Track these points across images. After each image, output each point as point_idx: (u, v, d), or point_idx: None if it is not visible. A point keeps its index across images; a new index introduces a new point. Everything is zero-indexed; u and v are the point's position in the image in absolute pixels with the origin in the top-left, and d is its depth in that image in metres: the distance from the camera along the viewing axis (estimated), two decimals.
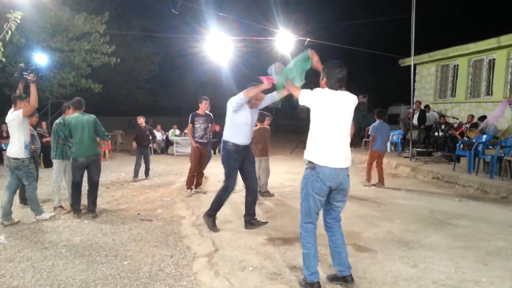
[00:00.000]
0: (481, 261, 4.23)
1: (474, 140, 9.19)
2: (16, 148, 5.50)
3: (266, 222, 5.45)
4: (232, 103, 5.15)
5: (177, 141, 16.00)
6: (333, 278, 3.68)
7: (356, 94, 3.70)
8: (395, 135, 14.22)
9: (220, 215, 5.98)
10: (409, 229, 5.38)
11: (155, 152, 15.56)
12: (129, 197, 7.43)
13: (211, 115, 7.89)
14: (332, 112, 3.45)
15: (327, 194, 3.46)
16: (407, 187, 8.48)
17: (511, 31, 10.80)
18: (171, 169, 11.33)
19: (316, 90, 3.58)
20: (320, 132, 3.47)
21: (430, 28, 12.39)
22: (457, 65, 13.31)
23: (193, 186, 7.73)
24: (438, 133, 11.70)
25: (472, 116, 11.25)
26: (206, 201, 7.00)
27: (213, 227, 5.24)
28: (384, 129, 8.56)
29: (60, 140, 6.26)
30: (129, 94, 30.83)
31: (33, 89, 5.44)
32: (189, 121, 7.79)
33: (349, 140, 3.57)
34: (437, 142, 11.96)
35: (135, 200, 7.23)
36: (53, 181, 6.34)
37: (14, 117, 5.51)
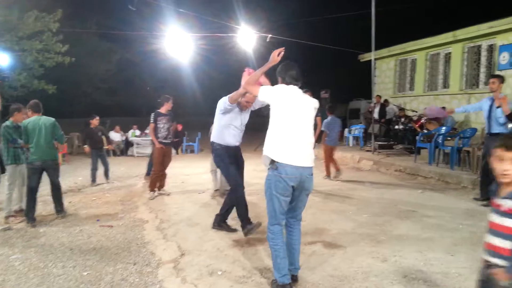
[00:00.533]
0: (448, 252, 4.26)
1: (434, 132, 9.42)
2: None
3: (235, 230, 5.08)
4: (220, 106, 4.92)
5: (137, 141, 15.52)
6: None
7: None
8: (357, 130, 14.45)
9: (185, 217, 5.80)
10: (376, 222, 5.38)
11: (114, 153, 15.04)
12: (87, 202, 7.06)
13: (172, 114, 7.65)
14: (294, 108, 3.37)
15: (291, 193, 3.36)
16: (371, 180, 8.56)
17: (466, 25, 11.14)
18: (131, 171, 10.93)
19: (278, 85, 3.50)
20: (281, 128, 3.35)
21: (389, 23, 12.62)
22: (415, 59, 13.63)
23: (156, 188, 7.45)
24: (398, 126, 11.94)
25: None
26: (170, 203, 6.79)
27: (228, 229, 5.09)
28: (336, 124, 8.59)
29: (9, 144, 5.86)
30: (86, 94, 29.78)
31: None
32: (152, 121, 7.52)
33: (312, 139, 3.48)
34: (397, 135, 12.22)
35: (94, 205, 6.87)
36: (5, 188, 5.92)
37: None
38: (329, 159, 8.68)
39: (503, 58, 10.24)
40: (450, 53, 12.17)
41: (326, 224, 5.34)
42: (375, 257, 4.12)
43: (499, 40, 10.40)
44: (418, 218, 5.62)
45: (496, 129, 6.22)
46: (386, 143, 11.69)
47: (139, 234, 5.15)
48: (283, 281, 3.32)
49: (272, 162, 3.29)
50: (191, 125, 16.75)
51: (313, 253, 4.28)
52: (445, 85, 12.47)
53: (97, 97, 30.62)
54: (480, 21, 10.69)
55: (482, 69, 11.19)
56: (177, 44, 11.84)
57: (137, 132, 16.56)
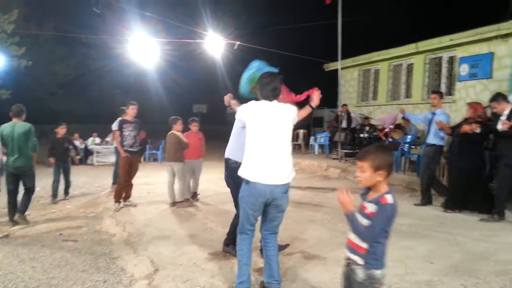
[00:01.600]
0: (427, 259, 4.27)
1: (399, 141, 9.60)
2: None
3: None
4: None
5: (97, 150, 14.91)
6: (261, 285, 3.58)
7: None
8: (322, 138, 14.55)
9: (155, 230, 5.53)
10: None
11: (73, 163, 14.35)
12: (47, 215, 6.61)
13: (139, 121, 7.37)
14: (265, 125, 3.32)
15: (261, 208, 3.36)
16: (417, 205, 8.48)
17: (427, 37, 11.50)
18: (92, 181, 10.42)
19: (250, 102, 3.47)
20: (253, 146, 3.33)
21: (353, 34, 12.83)
22: (379, 70, 13.93)
23: (121, 200, 7.10)
24: (363, 135, 12.11)
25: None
26: (137, 215, 6.47)
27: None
28: None
29: None
30: (41, 100, 28.40)
31: None
32: (116, 128, 7.21)
33: (288, 156, 3.38)
34: (362, 143, 12.40)
35: (54, 218, 6.44)
36: None
37: None
38: None
39: (463, 69, 10.62)
40: (412, 64, 12.52)
41: (303, 234, 5.25)
42: None
43: (459, 52, 10.78)
44: (393, 231, 5.62)
45: (432, 140, 6.71)
46: (352, 151, 11.82)
47: (107, 248, 4.84)
48: None
49: (244, 177, 3.33)
50: (155, 132, 16.31)
51: (293, 264, 4.17)
52: (408, 95, 12.80)
53: (52, 103, 29.27)
54: (442, 34, 11.06)
55: (443, 80, 11.57)
56: (141, 49, 11.50)
57: (97, 140, 15.90)
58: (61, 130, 8.24)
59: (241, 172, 3.35)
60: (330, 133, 14.25)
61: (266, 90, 3.40)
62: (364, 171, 2.33)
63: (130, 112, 7.19)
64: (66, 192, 8.15)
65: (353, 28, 11.12)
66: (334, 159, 11.95)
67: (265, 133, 3.31)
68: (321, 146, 14.38)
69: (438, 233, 5.29)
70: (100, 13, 10.55)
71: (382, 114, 13.25)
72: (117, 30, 11.65)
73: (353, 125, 13.50)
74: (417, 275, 3.87)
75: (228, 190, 7.93)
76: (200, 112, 29.93)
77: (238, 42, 11.25)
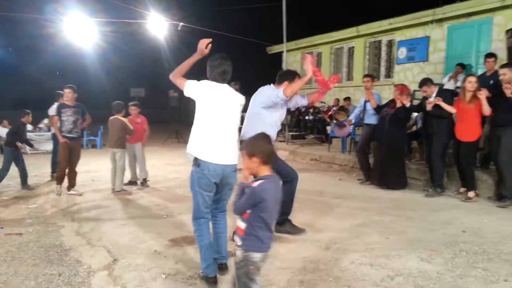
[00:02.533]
0: (384, 236, 4.45)
1: (344, 122, 9.88)
2: None
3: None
4: (267, 98, 4.18)
5: (30, 137, 13.89)
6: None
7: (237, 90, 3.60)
8: None
9: (107, 219, 5.27)
10: (309, 214, 5.43)
11: (1, 151, 13.29)
12: None
13: (83, 105, 6.96)
14: (218, 105, 3.34)
15: (214, 188, 3.37)
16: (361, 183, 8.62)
17: (368, 21, 11.86)
18: (28, 170, 9.71)
19: (203, 81, 3.39)
20: (205, 126, 3.32)
21: (295, 17, 12.91)
22: (321, 53, 14.20)
23: (62, 184, 6.78)
24: (308, 117, 12.35)
25: (338, 100, 12.12)
26: (85, 203, 6.13)
27: (297, 230, 4.51)
28: None
29: None
30: None
31: None
32: (55, 113, 6.77)
33: (236, 137, 3.46)
34: (307, 125, 12.66)
35: None
36: None
37: None
38: None
39: (401, 53, 11.13)
40: (353, 47, 12.90)
41: None
42: (317, 246, 4.13)
43: (398, 36, 11.27)
44: (345, 206, 5.81)
45: (367, 120, 7.39)
46: (298, 133, 12.03)
47: (57, 240, 4.53)
48: (207, 273, 3.34)
49: (195, 159, 3.27)
50: (93, 118, 15.49)
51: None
52: (349, 77, 13.21)
53: None
54: (382, 18, 11.46)
55: (383, 63, 12.06)
56: (77, 29, 10.78)
57: (29, 127, 14.82)
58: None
59: (193, 152, 3.29)
60: None
61: (215, 72, 3.39)
62: (243, 159, 2.44)
63: (66, 96, 6.79)
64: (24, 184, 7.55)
65: (295, 11, 11.13)
66: (280, 141, 12.08)
67: (218, 114, 3.31)
68: None
69: (390, 210, 5.54)
70: None
71: (326, 96, 13.54)
72: (50, 8, 10.73)
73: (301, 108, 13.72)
74: (376, 250, 4.02)
75: (176, 176, 7.80)
76: (138, 96, 28.89)
77: (182, 23, 10.90)
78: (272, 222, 2.45)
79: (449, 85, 8.81)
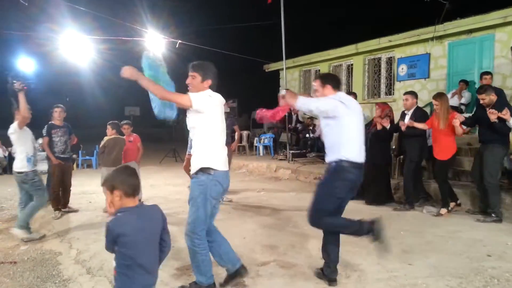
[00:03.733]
0: (403, 260, 4.20)
1: None
2: (19, 162, 5.37)
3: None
4: (341, 108, 3.49)
5: None
6: (227, 279, 3.59)
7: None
8: (266, 139, 14.45)
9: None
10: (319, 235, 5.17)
11: None
12: None
13: (69, 125, 6.90)
14: (219, 115, 3.46)
15: None
16: (295, 190, 8.46)
17: (366, 39, 11.82)
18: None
19: (210, 92, 3.43)
20: (214, 136, 3.40)
21: (292, 35, 12.82)
22: (319, 70, 14.12)
23: (60, 207, 6.55)
24: (309, 135, 12.17)
25: None
26: (83, 228, 5.81)
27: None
28: None
29: None
30: None
31: (22, 98, 5.09)
32: (45, 134, 6.63)
33: None
34: (307, 143, 12.47)
35: None
36: None
37: (11, 130, 5.34)
38: None
39: (402, 70, 11.05)
40: (352, 64, 12.83)
41: (271, 240, 4.98)
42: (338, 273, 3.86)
43: (397, 53, 11.21)
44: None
45: None
46: (299, 151, 11.82)
47: (54, 270, 4.23)
48: (209, 282, 3.43)
49: (208, 168, 3.32)
50: (89, 137, 15.28)
51: (271, 275, 3.88)
52: (349, 94, 13.08)
53: None
54: (380, 35, 11.42)
55: (383, 80, 11.98)
56: (72, 47, 10.58)
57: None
58: None
59: (207, 164, 3.31)
60: (275, 134, 14.19)
61: (215, 81, 3.48)
62: (106, 195, 2.30)
63: (55, 115, 6.64)
64: None
65: (292, 29, 11.06)
66: (281, 160, 11.87)
67: (221, 124, 3.46)
68: (266, 147, 14.29)
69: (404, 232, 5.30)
70: (23, 7, 9.54)
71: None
72: (45, 26, 10.53)
73: (298, 126, 13.57)
74: (400, 277, 3.77)
75: (178, 197, 7.56)
76: (133, 115, 28.54)
77: (180, 41, 10.77)
78: (148, 261, 2.24)
79: (453, 102, 8.72)
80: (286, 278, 3.78)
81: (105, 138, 6.99)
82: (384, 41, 11.24)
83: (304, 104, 3.53)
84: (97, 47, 10.43)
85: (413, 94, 6.62)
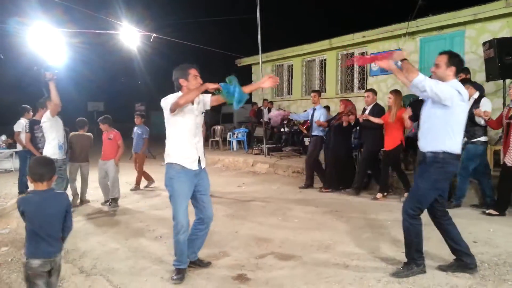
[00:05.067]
0: (395, 248, 4.32)
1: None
2: (50, 148, 5.67)
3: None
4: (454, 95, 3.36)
5: None
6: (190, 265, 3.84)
7: None
8: (240, 133, 14.41)
9: (96, 243, 4.82)
10: (310, 227, 5.23)
11: None
12: None
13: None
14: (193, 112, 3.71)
15: None
16: (275, 183, 8.50)
17: (340, 34, 12.00)
18: None
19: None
20: (186, 133, 3.65)
21: (265, 30, 12.81)
22: (292, 65, 14.22)
23: None
24: (284, 129, 12.25)
25: None
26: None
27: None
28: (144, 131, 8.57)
29: None
30: None
31: (52, 87, 5.35)
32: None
33: None
34: (282, 137, 12.55)
35: None
36: None
37: (44, 119, 5.70)
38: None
39: (374, 65, 11.26)
40: (325, 59, 13.00)
41: (263, 233, 4.99)
42: (336, 264, 3.93)
43: (370, 49, 11.45)
44: (346, 217, 5.66)
45: (314, 131, 7.80)
46: (275, 145, 11.88)
47: None
48: (185, 266, 3.73)
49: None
50: None
51: (271, 267, 3.89)
52: (322, 89, 13.26)
53: None
54: (350, 31, 11.64)
55: (356, 75, 12.21)
56: (41, 40, 10.12)
57: None
58: None
59: (173, 160, 3.60)
60: (249, 129, 14.17)
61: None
62: None
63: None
64: None
65: (265, 24, 11.06)
66: (256, 154, 11.88)
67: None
68: (239, 142, 14.25)
69: (392, 222, 5.44)
70: None
71: (298, 109, 13.58)
72: (13, 19, 10.00)
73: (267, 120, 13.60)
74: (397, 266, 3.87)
75: (160, 193, 7.43)
76: (96, 111, 27.63)
77: (154, 34, 10.54)
78: (47, 235, 2.67)
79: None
80: (286, 270, 3.80)
81: (71, 134, 6.96)
82: (358, 37, 11.45)
83: (421, 82, 3.25)
84: (68, 40, 10.01)
85: (374, 91, 7.12)
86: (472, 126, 5.60)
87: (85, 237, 5.10)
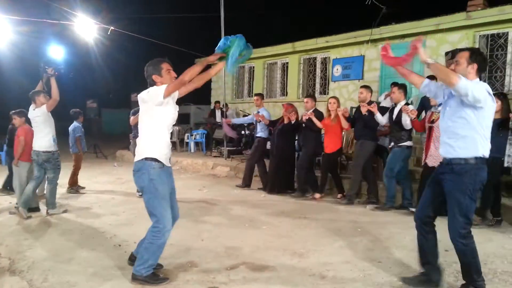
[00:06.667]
0: (371, 256, 4.21)
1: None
2: (47, 141, 5.78)
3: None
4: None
5: None
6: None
7: None
8: (198, 135, 14.02)
9: (45, 252, 4.35)
10: (281, 233, 5.03)
11: None
12: None
13: None
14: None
15: None
16: (238, 187, 8.23)
17: (303, 38, 11.97)
18: None
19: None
20: (164, 130, 3.51)
21: (228, 30, 12.56)
22: (253, 67, 14.03)
23: None
24: (245, 132, 12.01)
25: None
26: (7, 234, 5.04)
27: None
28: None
29: None
30: None
31: (53, 83, 5.59)
32: None
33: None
34: (242, 140, 12.30)
35: None
36: None
37: (38, 113, 5.74)
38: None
39: (337, 70, 11.36)
40: (287, 63, 12.93)
41: (232, 241, 4.72)
42: (312, 275, 3.73)
43: (333, 54, 11.50)
44: (309, 219, 5.52)
45: (259, 133, 8.09)
46: (235, 148, 11.61)
47: None
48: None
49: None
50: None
51: (245, 279, 3.63)
52: (284, 93, 13.19)
53: None
54: (316, 36, 11.63)
55: (318, 80, 12.22)
56: None
57: None
58: None
59: (153, 155, 3.42)
60: (207, 130, 13.81)
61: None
62: None
63: None
64: None
65: (229, 23, 10.79)
66: (215, 156, 11.59)
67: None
68: (197, 144, 13.86)
69: (361, 225, 5.36)
70: None
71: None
72: None
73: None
74: (373, 276, 3.74)
75: (113, 196, 6.96)
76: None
77: (112, 28, 9.96)
78: None
79: (386, 103, 9.08)
80: (261, 283, 3.56)
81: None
82: (321, 41, 11.46)
83: (464, 85, 2.94)
84: (15, 29, 9.19)
85: (313, 97, 7.54)
86: (398, 131, 6.19)
87: (32, 244, 4.60)
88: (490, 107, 3.08)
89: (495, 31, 8.52)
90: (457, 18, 8.67)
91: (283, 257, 4.18)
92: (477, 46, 8.56)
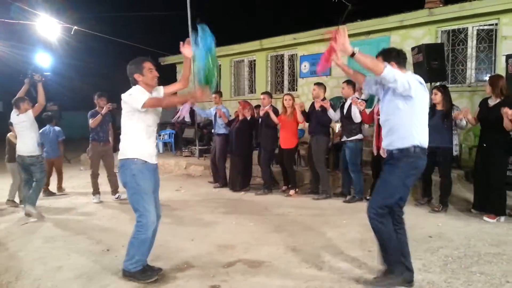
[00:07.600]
0: (360, 247, 4.34)
1: None
2: (30, 146, 5.87)
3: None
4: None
5: None
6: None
7: None
8: (167, 135, 13.83)
9: (31, 259, 4.19)
10: (269, 229, 5.09)
11: None
12: None
13: None
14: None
15: None
16: (215, 186, 8.22)
17: (270, 35, 12.03)
18: None
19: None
20: (146, 128, 3.57)
21: (193, 28, 12.46)
22: (220, 65, 13.97)
23: None
24: (214, 130, 11.95)
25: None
26: None
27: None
28: (52, 134, 8.10)
29: None
30: None
31: (40, 88, 5.87)
32: None
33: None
34: (212, 139, 12.23)
35: None
36: None
37: (24, 118, 5.86)
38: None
39: (304, 67, 11.53)
40: (254, 60, 12.97)
41: (224, 239, 4.72)
42: (309, 267, 3.82)
43: (300, 51, 11.65)
44: (298, 217, 5.61)
45: (218, 131, 8.30)
46: (206, 147, 11.55)
47: None
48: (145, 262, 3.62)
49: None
50: None
51: (244, 275, 3.66)
52: (252, 90, 13.23)
53: None
54: (283, 33, 11.74)
55: (286, 77, 12.34)
56: None
57: None
58: None
59: (134, 155, 3.47)
60: (176, 130, 13.63)
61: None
62: None
63: None
64: None
65: (193, 22, 10.71)
66: (186, 156, 11.50)
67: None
68: (165, 144, 13.68)
69: (348, 220, 5.50)
70: None
71: (227, 109, 13.37)
72: None
73: (198, 121, 13.22)
74: (363, 267, 3.87)
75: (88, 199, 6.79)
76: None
77: (76, 27, 9.63)
78: None
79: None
80: (261, 277, 3.61)
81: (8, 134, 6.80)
82: (288, 39, 11.56)
83: (390, 72, 2.99)
84: None
85: (269, 94, 7.72)
86: (349, 125, 6.50)
87: (17, 253, 4.41)
88: (421, 96, 3.18)
89: (455, 27, 8.92)
90: (420, 15, 9.01)
91: (277, 252, 4.24)
92: (439, 41, 8.94)
